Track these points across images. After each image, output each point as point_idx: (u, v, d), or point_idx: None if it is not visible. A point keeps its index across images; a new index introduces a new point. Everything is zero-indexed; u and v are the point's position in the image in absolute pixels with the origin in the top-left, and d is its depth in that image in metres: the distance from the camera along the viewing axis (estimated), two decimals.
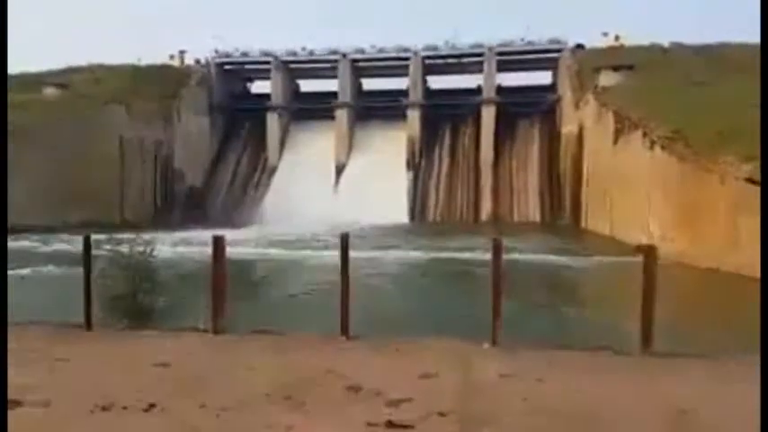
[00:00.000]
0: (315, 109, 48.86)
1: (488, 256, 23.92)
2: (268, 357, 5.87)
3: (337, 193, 44.86)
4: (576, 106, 39.27)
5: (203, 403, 4.50)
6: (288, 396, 4.62)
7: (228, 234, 8.35)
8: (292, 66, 50.07)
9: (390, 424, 4.04)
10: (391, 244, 26.84)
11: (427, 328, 11.44)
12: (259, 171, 48.03)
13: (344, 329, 6.67)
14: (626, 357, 5.95)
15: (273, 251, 25.49)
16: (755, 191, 20.34)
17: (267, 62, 48.57)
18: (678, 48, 40.91)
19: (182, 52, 49.68)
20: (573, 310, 13.32)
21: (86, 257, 7.21)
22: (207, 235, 8.59)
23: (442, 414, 4.21)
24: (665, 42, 42.08)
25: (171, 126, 43.91)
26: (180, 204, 44.33)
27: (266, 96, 49.09)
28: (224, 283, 6.92)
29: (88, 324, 7.26)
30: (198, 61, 49.15)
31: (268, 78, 49.18)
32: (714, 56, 37.20)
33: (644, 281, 6.28)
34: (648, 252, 6.37)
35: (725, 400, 4.63)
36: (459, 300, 15.51)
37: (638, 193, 27.45)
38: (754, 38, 38.51)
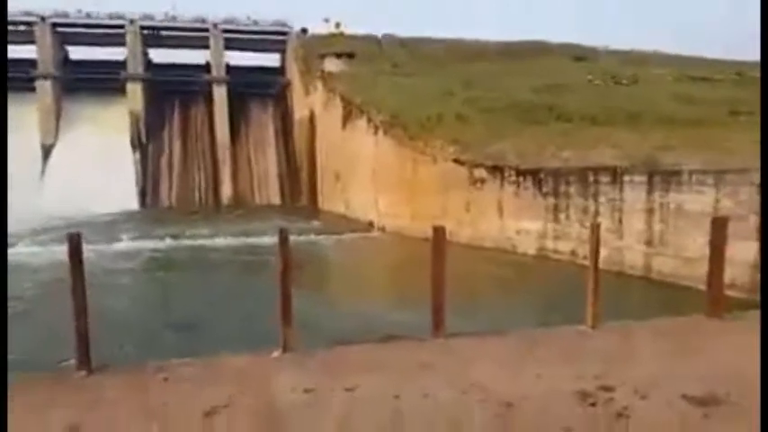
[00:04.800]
0: (10, 79, 40.53)
1: (234, 241, 23.40)
2: None
3: (44, 179, 38.40)
4: (306, 91, 40.65)
5: None
6: None
7: None
8: None
9: None
10: (129, 235, 24.32)
11: (190, 337, 10.64)
12: None
13: (84, 361, 5.03)
14: (425, 343, 5.79)
15: None
16: (460, 169, 24.15)
17: None
18: (389, 39, 45.47)
19: None
20: (344, 296, 13.83)
21: None
22: None
23: None
24: (378, 33, 46.29)
25: None
26: None
27: None
28: None
29: None
30: None
31: None
32: (415, 49, 42.53)
33: (433, 263, 5.83)
34: (438, 233, 5.91)
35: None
36: (212, 292, 14.88)
37: (366, 174, 29.94)
38: (448, 33, 45.42)
